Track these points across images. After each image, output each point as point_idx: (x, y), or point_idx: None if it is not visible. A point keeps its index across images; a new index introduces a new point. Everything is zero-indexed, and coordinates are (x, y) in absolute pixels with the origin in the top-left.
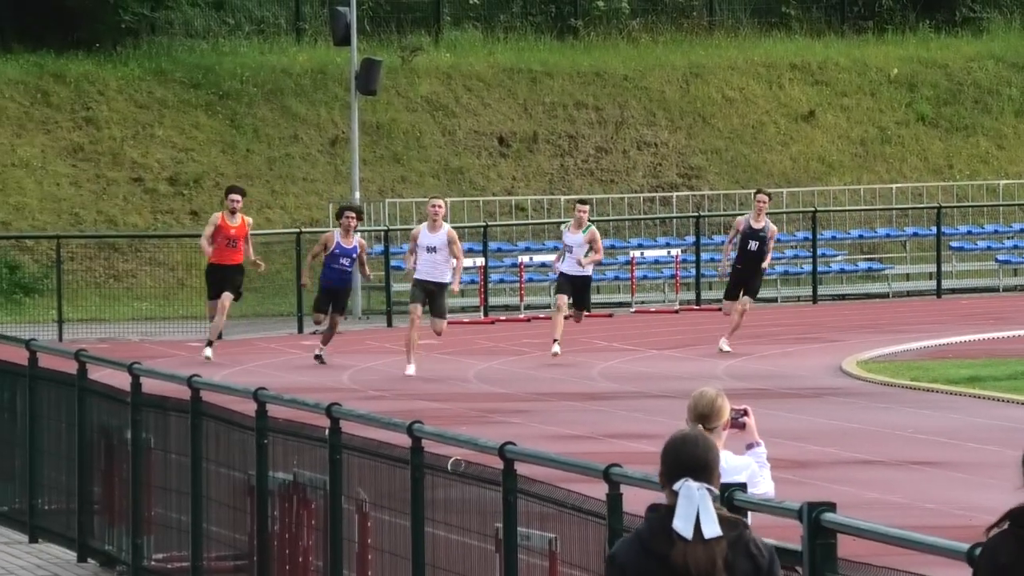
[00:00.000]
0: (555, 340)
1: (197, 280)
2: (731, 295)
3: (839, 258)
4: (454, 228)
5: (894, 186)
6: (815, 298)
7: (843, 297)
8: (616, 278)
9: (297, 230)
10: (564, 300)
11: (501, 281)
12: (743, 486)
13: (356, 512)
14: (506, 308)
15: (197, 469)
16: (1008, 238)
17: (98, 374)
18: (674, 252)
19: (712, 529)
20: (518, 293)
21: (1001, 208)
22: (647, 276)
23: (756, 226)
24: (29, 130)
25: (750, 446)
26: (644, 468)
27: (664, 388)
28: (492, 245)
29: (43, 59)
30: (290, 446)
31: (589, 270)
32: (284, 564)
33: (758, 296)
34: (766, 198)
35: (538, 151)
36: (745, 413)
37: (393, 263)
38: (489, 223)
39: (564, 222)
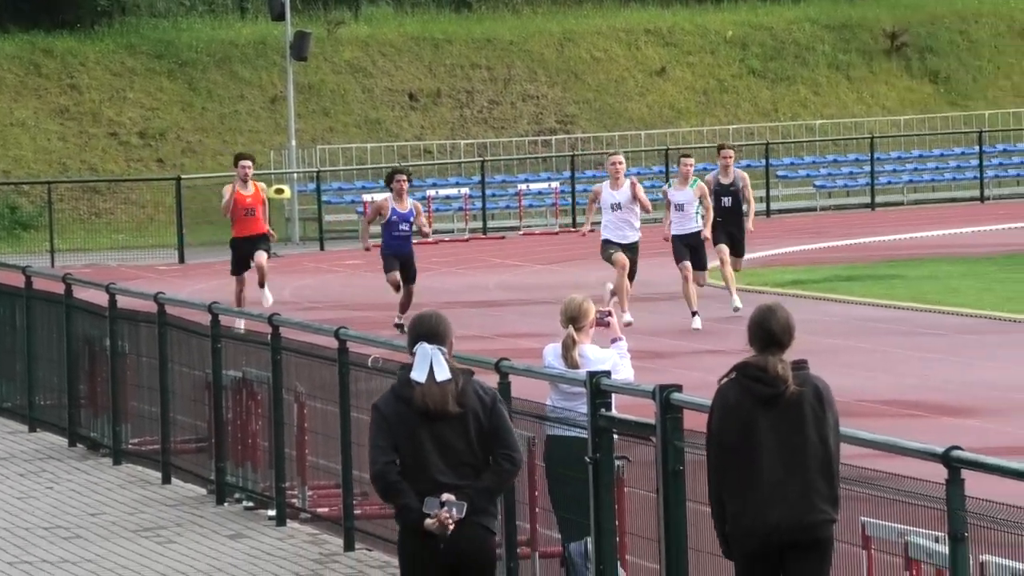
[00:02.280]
0: (694, 313)
1: (164, 215)
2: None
3: None
4: (372, 169)
5: (731, 127)
6: None
7: None
8: (507, 207)
9: None
10: (689, 267)
11: None
12: (607, 373)
13: (295, 402)
14: (418, 234)
15: (164, 369)
16: (823, 167)
17: (82, 294)
18: (554, 185)
19: (443, 374)
20: (428, 220)
21: (817, 143)
22: (532, 205)
23: (725, 181)
24: (24, 96)
25: (614, 341)
26: (527, 361)
27: (545, 296)
28: None
29: (35, 37)
30: (239, 349)
31: (700, 225)
32: (236, 445)
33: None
34: (731, 152)
35: (441, 104)
36: (609, 314)
37: (325, 198)
38: (402, 164)
39: (469, 162)
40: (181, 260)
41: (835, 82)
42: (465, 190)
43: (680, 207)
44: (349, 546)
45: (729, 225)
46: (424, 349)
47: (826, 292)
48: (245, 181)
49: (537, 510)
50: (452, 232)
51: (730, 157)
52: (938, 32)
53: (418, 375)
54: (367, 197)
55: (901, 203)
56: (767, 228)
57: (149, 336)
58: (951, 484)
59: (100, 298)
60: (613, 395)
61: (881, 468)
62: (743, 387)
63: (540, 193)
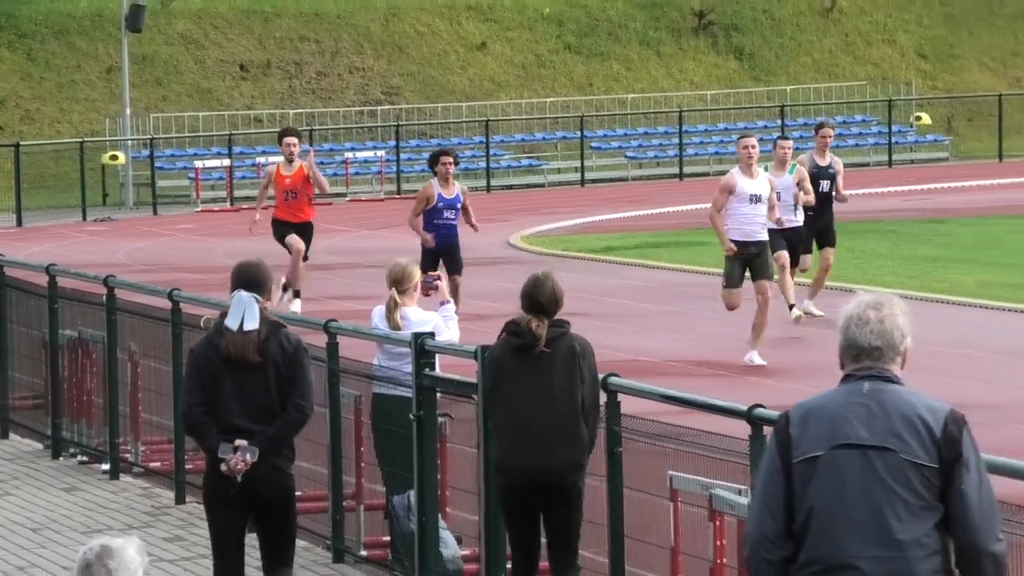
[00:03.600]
0: (791, 306)
1: (3, 180)
2: (804, 250)
3: (506, 157)
4: (204, 136)
5: (548, 100)
6: (488, 188)
7: (510, 187)
8: (334, 174)
9: (81, 139)
10: (785, 256)
11: (244, 178)
12: (431, 334)
13: (128, 361)
14: (247, 199)
15: (3, 329)
16: (635, 139)
17: None
18: (380, 153)
19: (251, 324)
20: (258, 188)
21: (629, 116)
22: (359, 172)
23: (822, 163)
24: None
25: (442, 304)
26: (356, 322)
27: (372, 260)
28: (236, 149)
29: None
30: (76, 309)
31: (800, 216)
32: (72, 402)
33: None
34: (831, 131)
35: (271, 75)
36: (438, 278)
37: (158, 165)
38: (233, 132)
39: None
40: (19, 224)
41: (646, 58)
42: None
43: (777, 195)
44: (180, 499)
45: (820, 219)
46: (240, 297)
47: (637, 258)
48: (290, 161)
49: (363, 465)
50: None
51: (829, 136)
52: (743, 11)
53: (231, 322)
54: (199, 163)
55: (707, 174)
56: (581, 197)
57: None
58: (753, 440)
59: None
60: (437, 355)
61: (688, 425)
62: (506, 341)
63: (366, 161)
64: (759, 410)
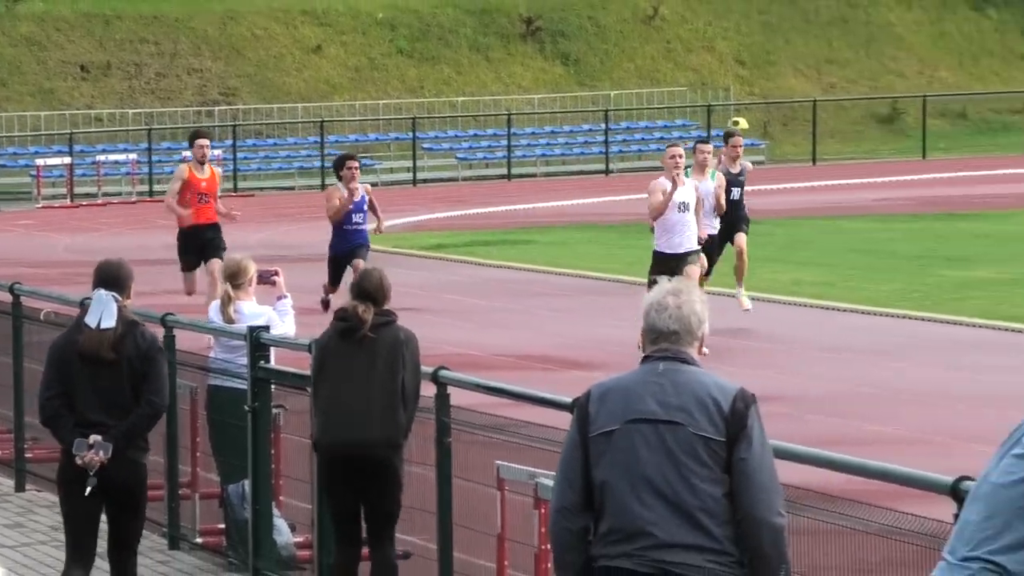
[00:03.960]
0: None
1: None
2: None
3: None
4: (46, 135)
5: (381, 102)
6: (323, 187)
7: None
8: (171, 172)
9: None
10: (704, 262)
11: (84, 176)
12: (266, 328)
13: None
14: (87, 195)
15: None
16: (465, 141)
17: None
18: (216, 152)
19: (108, 322)
20: (97, 184)
21: (459, 118)
22: (109, 174)
23: (734, 171)
24: None
25: (280, 298)
26: (194, 316)
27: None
28: (77, 147)
29: None
30: None
31: (717, 224)
32: None
33: None
34: (740, 140)
35: (111, 76)
36: (276, 273)
37: (0, 162)
38: (74, 131)
39: (137, 130)
40: None
41: (475, 63)
42: (133, 156)
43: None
44: (20, 487)
45: (732, 221)
46: (100, 296)
47: (466, 255)
48: (202, 163)
49: (199, 455)
50: (120, 195)
51: (740, 145)
52: (569, 18)
53: (90, 320)
54: (40, 161)
55: (535, 175)
56: (413, 197)
57: None
58: None
59: None
60: (272, 348)
61: (514, 416)
62: (332, 326)
63: (117, 163)
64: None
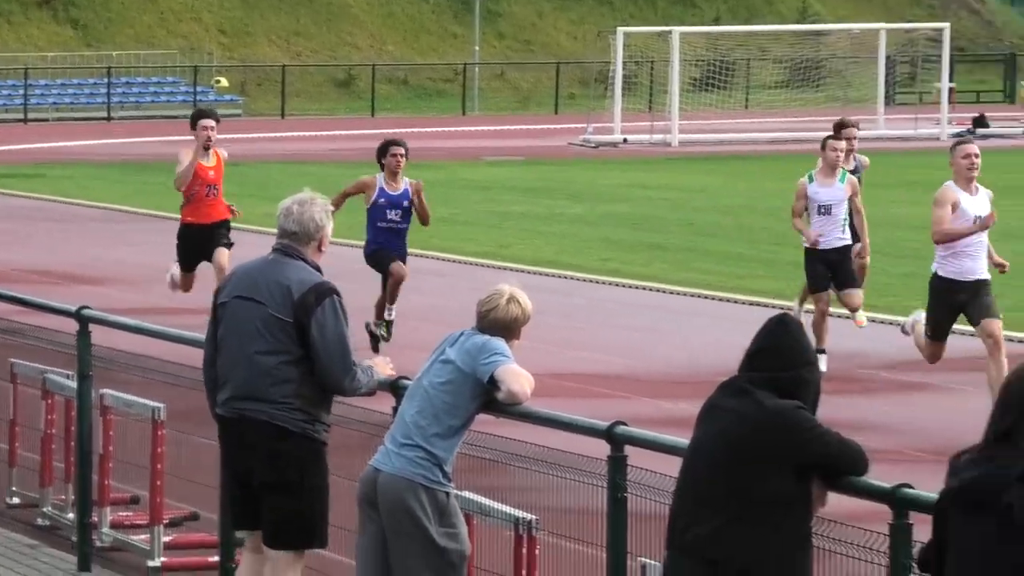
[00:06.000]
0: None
1: None
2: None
3: None
4: None
5: None
6: None
7: None
8: None
9: None
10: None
11: None
12: None
13: None
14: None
15: None
16: None
17: None
18: None
19: None
20: None
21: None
22: None
23: (848, 168)
24: None
25: None
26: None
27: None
28: None
29: None
30: None
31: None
32: None
33: None
34: (855, 131)
35: None
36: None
37: None
38: None
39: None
40: None
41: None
42: None
43: (827, 209)
44: None
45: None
46: None
47: None
48: (207, 149)
49: None
50: None
51: (855, 138)
52: None
53: None
54: None
55: (48, 120)
56: None
57: None
58: (81, 336)
59: None
60: None
61: (26, 322)
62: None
63: None
64: (85, 311)
